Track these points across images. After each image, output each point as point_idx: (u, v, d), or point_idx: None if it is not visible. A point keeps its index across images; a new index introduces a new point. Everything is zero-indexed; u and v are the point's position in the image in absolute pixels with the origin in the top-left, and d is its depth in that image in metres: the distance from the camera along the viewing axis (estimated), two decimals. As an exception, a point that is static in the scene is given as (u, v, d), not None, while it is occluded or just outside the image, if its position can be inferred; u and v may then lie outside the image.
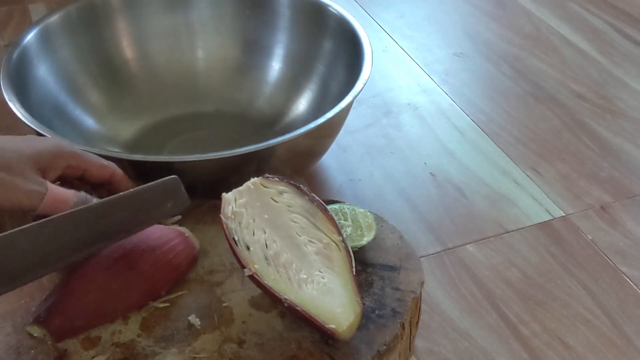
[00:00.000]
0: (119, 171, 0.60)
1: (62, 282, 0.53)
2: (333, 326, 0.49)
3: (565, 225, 0.75)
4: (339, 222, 0.56)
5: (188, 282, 0.56)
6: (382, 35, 1.08)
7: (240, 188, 0.55)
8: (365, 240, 0.58)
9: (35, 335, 0.51)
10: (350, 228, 0.58)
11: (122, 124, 0.83)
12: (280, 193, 0.55)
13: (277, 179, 0.56)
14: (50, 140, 0.58)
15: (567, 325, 0.64)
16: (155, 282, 0.54)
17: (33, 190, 0.52)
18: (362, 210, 0.60)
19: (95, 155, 0.59)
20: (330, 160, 0.82)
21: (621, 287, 0.68)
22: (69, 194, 0.54)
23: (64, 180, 0.58)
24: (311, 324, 0.50)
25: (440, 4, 1.17)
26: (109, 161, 0.60)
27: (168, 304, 0.54)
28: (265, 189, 0.55)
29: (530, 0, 1.17)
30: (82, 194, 0.55)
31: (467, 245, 0.72)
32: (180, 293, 0.55)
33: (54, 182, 0.56)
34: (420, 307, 0.58)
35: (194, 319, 0.53)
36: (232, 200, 0.54)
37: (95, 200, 0.56)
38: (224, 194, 0.55)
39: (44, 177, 0.54)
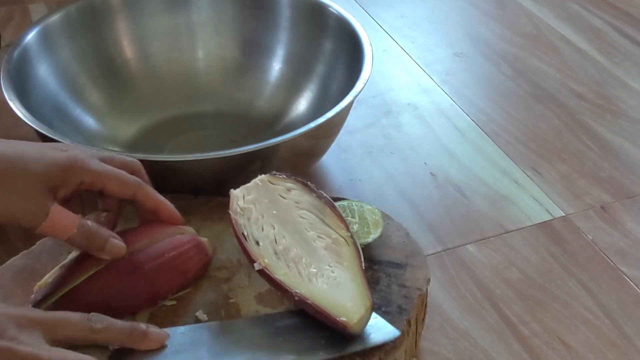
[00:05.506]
0: (144, 189, 0.56)
1: (64, 280, 0.53)
2: (344, 319, 0.50)
3: (565, 225, 0.75)
4: (346, 219, 0.56)
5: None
6: (382, 35, 1.08)
7: (248, 185, 0.56)
8: (371, 237, 0.58)
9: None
10: (357, 225, 0.58)
11: (122, 124, 0.83)
12: (288, 190, 0.56)
13: (284, 176, 0.56)
14: (63, 154, 0.53)
15: (567, 325, 0.64)
16: (159, 285, 0.54)
17: (33, 212, 0.51)
18: (370, 207, 0.60)
19: (118, 171, 0.55)
20: (330, 160, 0.82)
21: (621, 287, 0.68)
22: (70, 222, 0.52)
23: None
24: (322, 317, 0.50)
25: (440, 4, 1.17)
26: (133, 177, 0.56)
27: (175, 302, 0.55)
28: (272, 185, 0.56)
29: (530, 0, 1.17)
30: (85, 222, 0.52)
31: (467, 245, 0.72)
32: (187, 290, 0.56)
33: (68, 198, 0.54)
34: (426, 304, 0.59)
35: (201, 315, 0.54)
36: (240, 197, 0.55)
37: (102, 220, 0.55)
38: (232, 190, 0.55)
39: (55, 194, 0.52)
